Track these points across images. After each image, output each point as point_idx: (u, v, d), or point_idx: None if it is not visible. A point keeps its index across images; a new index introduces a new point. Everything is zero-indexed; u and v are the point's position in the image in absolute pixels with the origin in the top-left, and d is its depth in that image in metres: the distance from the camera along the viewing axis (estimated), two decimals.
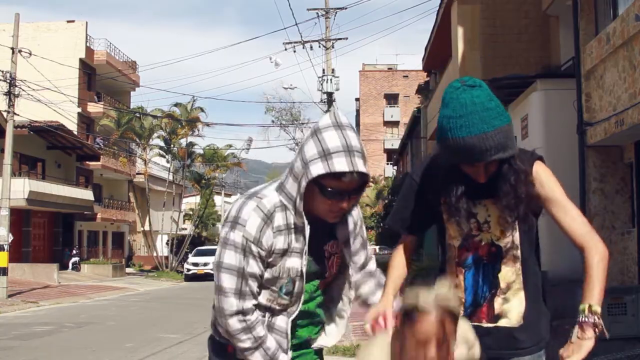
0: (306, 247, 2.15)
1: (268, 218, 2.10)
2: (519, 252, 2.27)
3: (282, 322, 2.20)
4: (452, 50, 16.88)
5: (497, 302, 2.28)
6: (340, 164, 2.00)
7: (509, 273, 2.27)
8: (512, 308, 2.27)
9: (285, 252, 2.13)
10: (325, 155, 2.01)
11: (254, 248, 2.09)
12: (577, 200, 10.35)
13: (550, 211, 2.22)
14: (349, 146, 2.03)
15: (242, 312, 2.11)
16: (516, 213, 2.21)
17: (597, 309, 2.06)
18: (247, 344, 2.13)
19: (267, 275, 2.15)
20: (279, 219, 2.11)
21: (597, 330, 2.04)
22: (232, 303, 2.11)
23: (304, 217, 2.12)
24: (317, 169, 2.02)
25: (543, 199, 2.22)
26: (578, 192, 10.38)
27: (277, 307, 2.19)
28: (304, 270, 2.16)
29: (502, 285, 2.28)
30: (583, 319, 2.05)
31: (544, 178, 2.23)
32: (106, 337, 11.80)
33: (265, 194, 2.15)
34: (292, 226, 2.13)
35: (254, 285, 2.13)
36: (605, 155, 10.54)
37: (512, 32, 14.85)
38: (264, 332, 2.15)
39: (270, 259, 2.13)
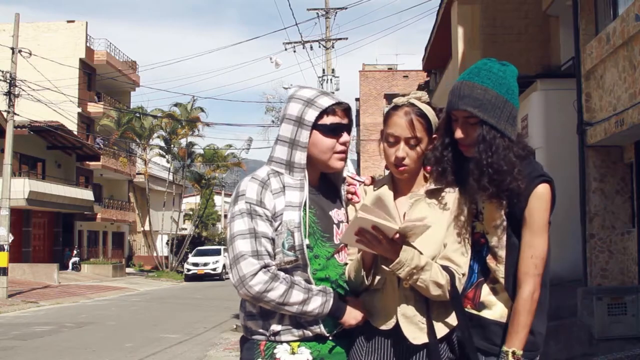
0: (305, 200, 2.23)
1: (264, 183, 2.23)
2: (502, 253, 2.22)
3: (300, 277, 2.22)
4: (452, 50, 16.87)
5: (485, 290, 2.26)
6: (324, 101, 2.27)
7: (492, 269, 2.25)
8: (497, 303, 2.24)
9: (283, 209, 2.22)
10: (309, 102, 2.27)
11: (258, 209, 2.19)
12: (577, 200, 10.36)
13: (521, 231, 2.20)
14: (322, 91, 2.33)
15: (265, 266, 2.14)
16: (486, 189, 2.17)
17: (520, 353, 2.15)
18: (282, 288, 2.13)
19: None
20: (274, 183, 2.24)
21: None
22: (252, 262, 2.14)
23: (305, 171, 2.26)
24: (311, 114, 2.24)
25: (524, 217, 2.19)
26: (578, 192, 10.38)
27: (287, 267, 2.20)
28: (302, 222, 2.20)
29: (490, 275, 2.26)
30: None
31: (536, 200, 2.18)
32: (106, 337, 11.80)
33: (256, 171, 2.33)
34: (289, 185, 2.24)
35: (268, 245, 2.18)
36: (605, 155, 10.53)
37: (512, 32, 14.83)
38: (288, 275, 2.19)
39: (276, 223, 2.20)
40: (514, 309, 2.16)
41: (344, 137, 2.29)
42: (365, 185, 2.44)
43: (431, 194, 2.30)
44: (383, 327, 2.25)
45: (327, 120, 2.25)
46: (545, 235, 2.19)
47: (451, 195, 2.30)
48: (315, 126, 2.25)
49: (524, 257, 2.17)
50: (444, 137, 2.28)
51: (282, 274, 2.16)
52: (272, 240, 2.19)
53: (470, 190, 2.24)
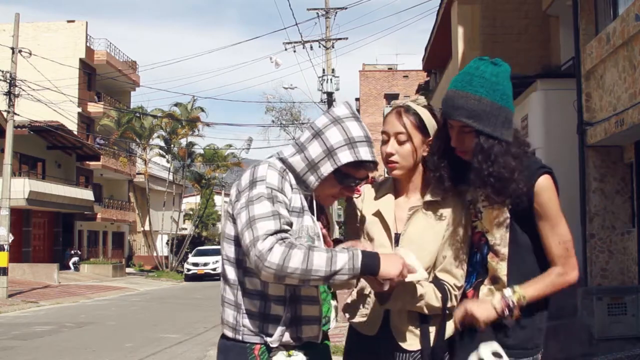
0: (314, 215, 2.17)
1: (283, 174, 2.09)
2: (505, 251, 2.22)
3: (311, 290, 2.11)
4: (452, 50, 16.88)
5: (483, 291, 2.25)
6: (365, 153, 2.10)
7: (493, 267, 2.24)
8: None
9: (301, 211, 2.11)
10: (352, 143, 2.09)
11: (279, 196, 2.03)
12: (577, 200, 10.36)
13: (538, 225, 2.20)
14: (369, 138, 2.15)
15: (280, 231, 1.95)
16: (491, 199, 2.17)
17: (523, 300, 2.13)
18: (300, 253, 1.90)
19: None
20: (291, 178, 2.12)
21: (506, 311, 2.12)
22: (268, 225, 1.95)
23: (312, 194, 2.17)
24: (346, 156, 2.08)
25: (536, 211, 2.19)
26: (578, 192, 10.38)
27: None
28: (319, 232, 2.12)
29: (489, 275, 2.26)
30: (506, 294, 2.14)
31: (543, 192, 2.18)
32: (106, 337, 11.81)
33: (270, 160, 2.15)
34: (299, 191, 2.14)
35: (290, 229, 2.03)
36: (605, 155, 10.53)
37: (512, 32, 14.84)
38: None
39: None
40: (544, 274, 2.19)
41: (350, 191, 2.19)
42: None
43: (429, 205, 2.29)
44: (368, 333, 2.26)
45: (350, 170, 2.11)
46: (564, 220, 2.21)
47: (449, 206, 2.28)
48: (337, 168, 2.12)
49: (552, 245, 2.18)
50: (440, 143, 2.28)
51: (297, 241, 1.99)
52: (290, 225, 2.05)
53: (473, 197, 2.26)
